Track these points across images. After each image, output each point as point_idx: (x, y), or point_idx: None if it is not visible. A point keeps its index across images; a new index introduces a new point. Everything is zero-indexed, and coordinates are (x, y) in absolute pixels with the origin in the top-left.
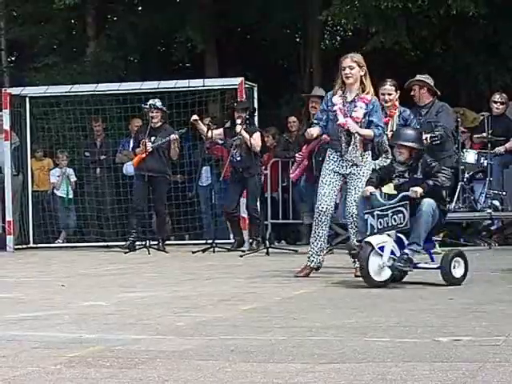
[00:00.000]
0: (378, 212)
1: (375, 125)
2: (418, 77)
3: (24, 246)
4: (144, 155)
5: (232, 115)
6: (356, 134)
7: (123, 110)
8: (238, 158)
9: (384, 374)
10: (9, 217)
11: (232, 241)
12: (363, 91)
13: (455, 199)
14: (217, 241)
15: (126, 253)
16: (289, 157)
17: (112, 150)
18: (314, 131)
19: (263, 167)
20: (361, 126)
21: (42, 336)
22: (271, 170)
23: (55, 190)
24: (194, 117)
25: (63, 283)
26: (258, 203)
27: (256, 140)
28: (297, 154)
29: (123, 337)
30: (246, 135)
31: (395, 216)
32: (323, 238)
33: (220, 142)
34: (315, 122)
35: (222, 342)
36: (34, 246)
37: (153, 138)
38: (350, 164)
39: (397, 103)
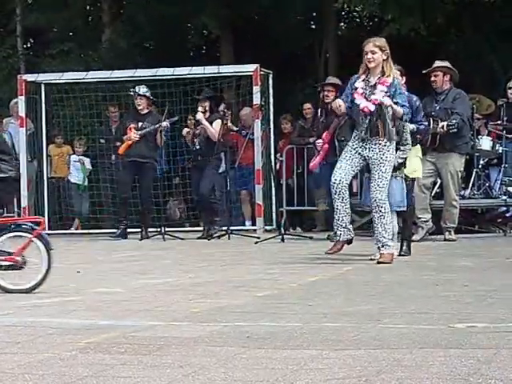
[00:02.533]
0: None
1: (400, 105)
2: (441, 63)
3: None
4: (130, 142)
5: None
6: (380, 116)
7: None
8: (198, 147)
9: (399, 361)
10: (24, 203)
11: (246, 227)
12: (384, 75)
13: (470, 186)
14: (232, 227)
15: (140, 239)
16: (304, 143)
17: None
18: (342, 103)
19: (278, 154)
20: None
21: (57, 322)
22: (286, 157)
23: (69, 177)
24: (199, 115)
25: (78, 269)
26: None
27: (215, 128)
28: (317, 141)
29: (138, 323)
30: (207, 124)
31: None
32: (343, 210)
33: (235, 128)
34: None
35: (236, 328)
36: (50, 232)
37: (140, 124)
38: (373, 147)
39: (403, 88)
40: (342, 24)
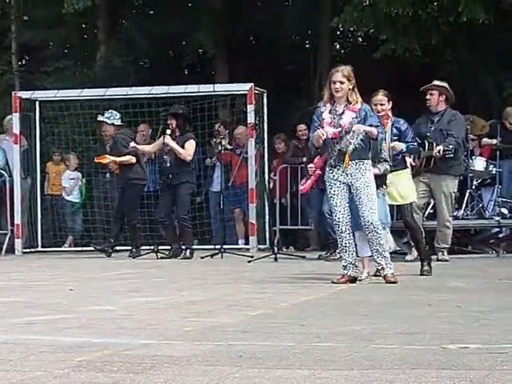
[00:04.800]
0: None
1: (374, 126)
2: (439, 83)
3: (32, 250)
4: (105, 161)
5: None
6: (352, 143)
7: (132, 115)
8: (168, 164)
9: (391, 381)
10: (17, 220)
11: (239, 246)
12: (350, 103)
13: (463, 206)
14: (225, 246)
15: (134, 257)
16: (298, 163)
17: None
18: (322, 136)
19: (272, 173)
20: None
21: (49, 340)
22: (280, 176)
23: (65, 195)
24: (167, 139)
25: (71, 287)
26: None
27: (188, 149)
28: (309, 166)
29: (131, 341)
30: (173, 144)
31: None
32: (351, 247)
33: (229, 147)
34: (311, 134)
35: (229, 347)
36: (43, 249)
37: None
38: (355, 173)
39: (389, 113)
40: (337, 44)
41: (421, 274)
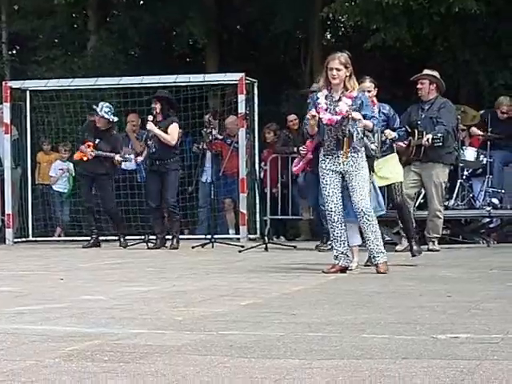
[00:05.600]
0: None
1: (369, 117)
2: (430, 72)
3: (23, 240)
4: (85, 159)
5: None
6: (346, 132)
7: (123, 105)
8: (154, 150)
9: (382, 371)
10: (8, 210)
11: (230, 236)
12: (347, 90)
13: (454, 196)
14: (216, 236)
15: (124, 247)
16: (288, 152)
17: None
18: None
19: (262, 163)
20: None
21: (40, 330)
22: (271, 166)
23: (52, 185)
24: (149, 125)
25: (62, 277)
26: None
27: (171, 133)
28: (301, 148)
29: (122, 331)
30: (156, 130)
31: None
32: (343, 237)
33: (220, 137)
34: (305, 122)
35: (220, 337)
36: (33, 239)
37: (97, 140)
38: (347, 161)
39: (375, 99)
40: (328, 33)
41: (412, 255)
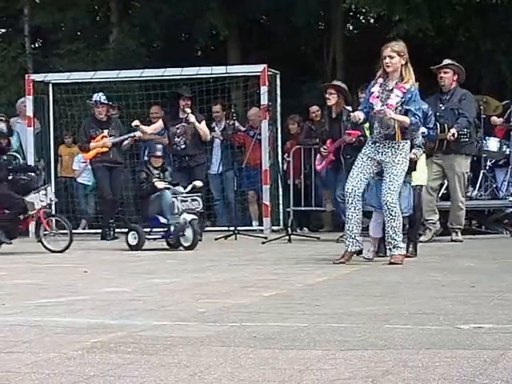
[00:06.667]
0: None
1: (412, 113)
2: (452, 62)
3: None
4: (105, 150)
5: (177, 103)
6: (393, 121)
7: (145, 97)
8: (183, 146)
9: (405, 361)
10: None
11: (253, 228)
12: (402, 80)
13: (477, 187)
14: (239, 228)
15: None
16: (311, 144)
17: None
18: (361, 115)
19: (286, 154)
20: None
21: (64, 322)
22: (294, 157)
23: (76, 178)
24: (192, 118)
25: (86, 269)
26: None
27: (204, 128)
28: (322, 148)
29: (145, 323)
30: (201, 124)
31: None
32: (354, 220)
33: (242, 128)
34: (359, 109)
35: (243, 328)
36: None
37: (106, 131)
38: (386, 151)
39: None
40: (350, 25)
41: (406, 256)
